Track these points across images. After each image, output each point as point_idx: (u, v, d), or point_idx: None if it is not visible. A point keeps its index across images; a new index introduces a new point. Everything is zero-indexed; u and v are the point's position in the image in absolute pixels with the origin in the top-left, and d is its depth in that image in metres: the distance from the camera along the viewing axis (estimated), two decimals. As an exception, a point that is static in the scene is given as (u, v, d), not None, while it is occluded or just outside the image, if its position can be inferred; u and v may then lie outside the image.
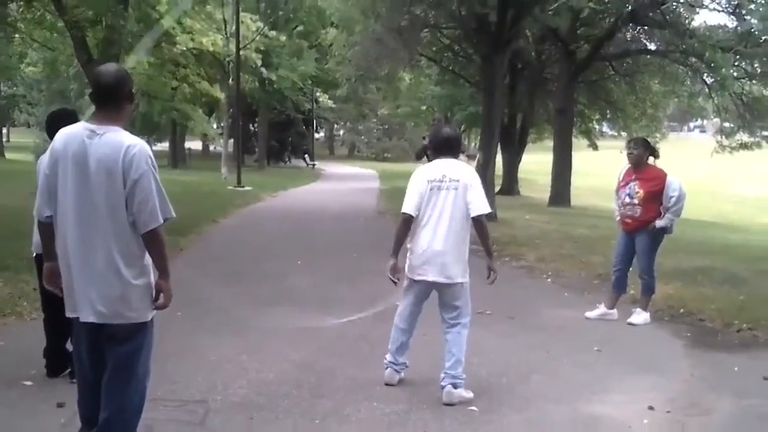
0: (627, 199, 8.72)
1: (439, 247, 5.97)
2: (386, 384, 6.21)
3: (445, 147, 6.24)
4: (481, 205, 5.96)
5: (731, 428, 5.58)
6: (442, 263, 5.98)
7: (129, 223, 4.11)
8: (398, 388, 6.11)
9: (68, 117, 5.46)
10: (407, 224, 6.12)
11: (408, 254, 6.17)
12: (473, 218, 5.97)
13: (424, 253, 6.02)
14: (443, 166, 6.10)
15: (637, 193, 8.63)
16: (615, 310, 8.92)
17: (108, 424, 4.23)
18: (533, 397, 6.06)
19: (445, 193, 6.00)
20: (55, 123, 5.21)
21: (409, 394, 5.96)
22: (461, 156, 6.65)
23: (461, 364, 5.93)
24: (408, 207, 6.09)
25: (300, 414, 5.46)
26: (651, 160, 8.84)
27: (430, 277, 6.03)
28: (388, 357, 6.29)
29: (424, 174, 6.14)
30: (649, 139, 10.11)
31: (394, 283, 6.20)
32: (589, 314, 8.93)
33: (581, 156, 36.67)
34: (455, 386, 5.85)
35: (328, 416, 5.45)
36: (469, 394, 5.90)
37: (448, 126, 6.77)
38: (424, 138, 12.17)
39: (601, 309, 8.95)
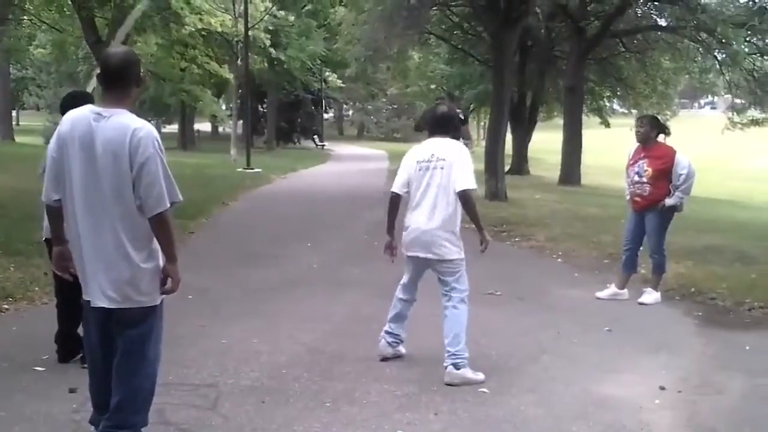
0: (636, 178, 8.68)
1: (426, 225, 6.09)
2: (379, 356, 6.36)
3: (438, 125, 6.31)
4: (463, 181, 6.00)
5: (743, 407, 5.57)
6: (429, 241, 6.09)
7: (136, 207, 4.09)
8: (409, 370, 6.11)
9: (83, 99, 5.42)
10: (394, 202, 6.35)
11: (403, 231, 6.29)
12: (458, 193, 6.02)
13: (413, 230, 6.17)
14: (433, 146, 6.20)
15: (646, 171, 8.58)
16: (626, 290, 8.90)
17: (119, 408, 4.24)
18: (544, 377, 6.06)
19: (432, 172, 6.10)
20: (70, 105, 5.17)
21: (419, 376, 5.97)
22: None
23: (461, 340, 5.98)
24: (395, 186, 6.32)
25: (311, 397, 5.47)
26: (662, 137, 8.79)
27: (420, 254, 6.18)
28: (385, 327, 6.45)
29: (414, 154, 6.28)
30: (659, 117, 10.03)
31: (391, 261, 6.42)
32: (599, 294, 8.92)
33: (592, 134, 36.55)
34: (456, 366, 5.91)
35: (339, 399, 5.46)
36: (478, 376, 5.93)
37: (444, 104, 6.82)
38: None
39: (612, 289, 8.93)
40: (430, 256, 6.12)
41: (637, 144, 8.83)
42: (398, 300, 6.45)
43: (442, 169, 6.06)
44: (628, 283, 8.99)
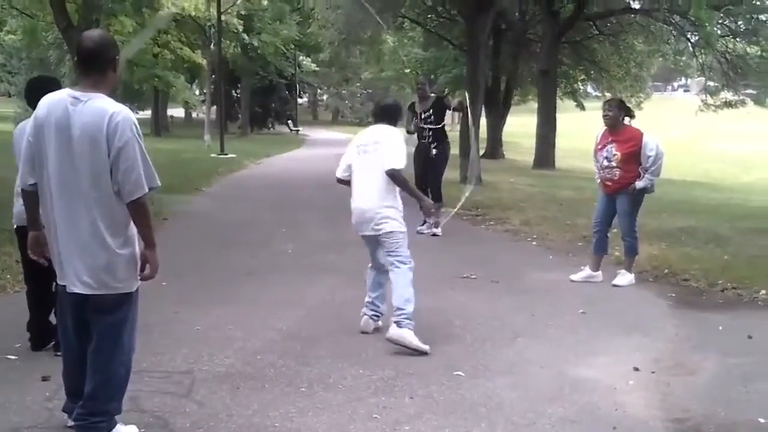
0: (605, 162, 8.68)
1: (364, 204, 6.59)
2: (361, 332, 6.67)
3: (382, 114, 6.96)
4: (390, 161, 6.46)
5: (716, 387, 5.60)
6: (369, 218, 6.56)
7: (114, 192, 4.07)
8: (384, 354, 6.11)
9: (49, 84, 5.36)
10: (340, 184, 6.99)
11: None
12: (386, 173, 6.45)
13: (355, 211, 6.69)
14: (372, 132, 6.81)
15: (615, 155, 8.58)
16: (599, 272, 8.93)
17: (93, 395, 4.22)
18: (519, 360, 6.08)
19: (368, 155, 6.65)
20: (35, 90, 5.11)
21: (395, 360, 5.96)
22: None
23: (403, 298, 6.31)
24: (338, 171, 6.96)
25: (286, 382, 5.46)
26: (627, 120, 8.79)
27: (364, 232, 6.68)
28: (366, 299, 6.85)
29: (356, 140, 6.90)
30: (632, 99, 10.06)
31: None
32: (573, 277, 8.95)
33: (567, 117, 36.63)
34: (399, 324, 6.23)
35: (314, 383, 5.45)
36: (424, 347, 6.15)
37: (390, 97, 7.49)
38: (412, 105, 12.34)
39: (586, 271, 8.96)
40: (370, 232, 6.60)
41: (604, 128, 8.83)
42: (369, 269, 6.91)
43: (376, 152, 6.58)
44: (602, 265, 9.02)
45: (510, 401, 5.21)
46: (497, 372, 5.80)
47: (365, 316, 6.75)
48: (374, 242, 6.69)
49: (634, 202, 8.73)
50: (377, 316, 6.77)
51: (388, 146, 6.54)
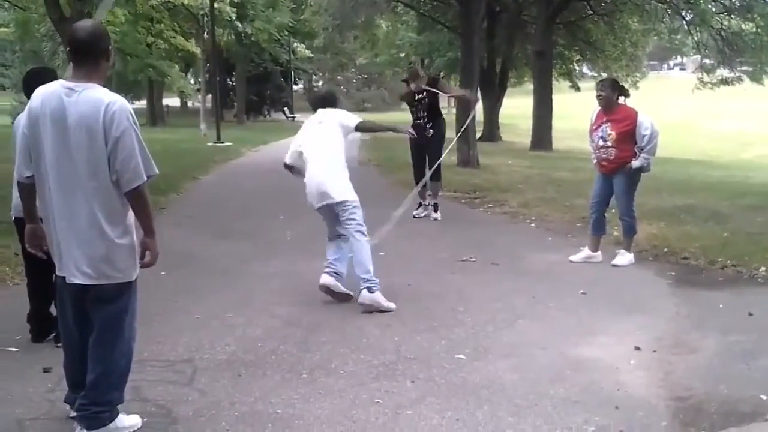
0: (601, 142, 8.66)
1: (317, 176, 7.11)
2: (322, 287, 7.17)
3: (321, 102, 7.64)
4: (350, 122, 7.31)
5: (717, 365, 5.60)
6: (322, 190, 7.08)
7: (112, 182, 4.06)
8: (385, 339, 6.11)
9: (47, 75, 5.34)
10: (288, 170, 7.70)
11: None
12: (355, 129, 7.34)
13: (309, 185, 7.18)
14: (317, 114, 7.47)
15: (610, 135, 8.56)
16: (599, 253, 8.93)
17: (95, 386, 4.22)
18: (520, 342, 6.07)
19: (315, 130, 7.32)
20: (33, 82, 5.07)
21: (396, 345, 5.96)
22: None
23: (366, 267, 6.94)
24: (286, 157, 7.68)
25: (288, 369, 5.46)
26: (621, 99, 8.76)
27: (317, 204, 7.18)
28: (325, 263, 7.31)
29: (305, 125, 7.61)
30: (628, 78, 10.01)
31: None
32: (573, 258, 8.94)
33: (563, 98, 36.53)
34: (370, 290, 6.88)
35: (315, 369, 5.44)
36: (390, 304, 6.87)
37: (324, 87, 8.32)
38: (404, 81, 12.62)
39: (585, 252, 8.95)
40: (324, 202, 7.09)
41: (598, 108, 8.79)
42: (328, 242, 7.40)
43: (320, 123, 7.29)
44: (602, 245, 9.01)
45: (512, 383, 5.21)
46: (499, 354, 5.79)
47: (323, 273, 7.17)
48: (330, 213, 7.17)
49: (631, 182, 8.71)
50: (336, 273, 7.17)
51: (341, 116, 7.30)
